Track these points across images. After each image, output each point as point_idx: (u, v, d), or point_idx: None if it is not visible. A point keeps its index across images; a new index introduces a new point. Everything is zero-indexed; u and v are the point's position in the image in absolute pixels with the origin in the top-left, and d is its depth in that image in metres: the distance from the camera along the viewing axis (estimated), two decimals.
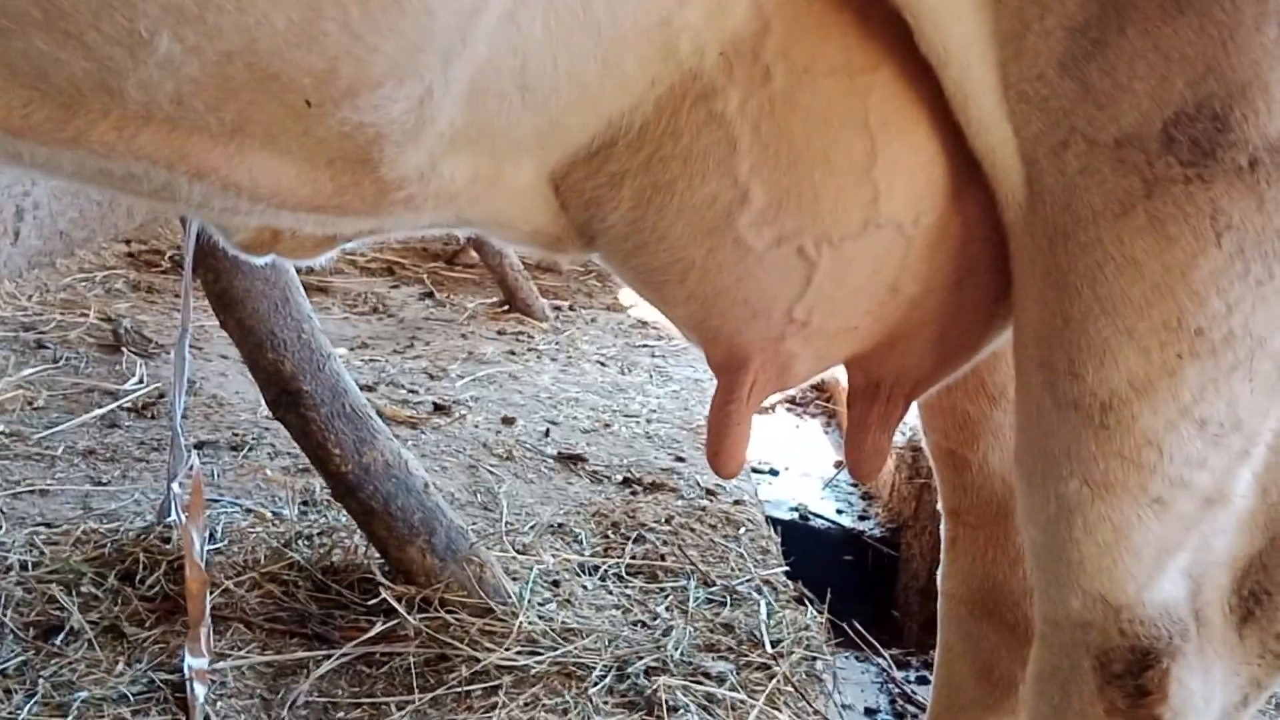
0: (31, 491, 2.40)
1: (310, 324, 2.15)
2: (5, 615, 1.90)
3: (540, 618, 2.17)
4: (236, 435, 2.88)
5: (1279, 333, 0.93)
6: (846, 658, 2.94)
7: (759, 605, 2.43)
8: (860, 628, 2.90)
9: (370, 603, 2.09)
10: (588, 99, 0.89)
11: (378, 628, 2.03)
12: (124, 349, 3.35)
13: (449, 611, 2.08)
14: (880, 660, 2.97)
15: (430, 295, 4.86)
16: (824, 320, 1.04)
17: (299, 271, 2.23)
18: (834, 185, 0.97)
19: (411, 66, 0.79)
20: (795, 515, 3.90)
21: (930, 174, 1.00)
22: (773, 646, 2.26)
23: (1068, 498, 0.98)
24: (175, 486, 2.19)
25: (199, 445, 2.79)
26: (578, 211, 1.00)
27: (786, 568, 2.74)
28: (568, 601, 2.30)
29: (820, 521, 3.92)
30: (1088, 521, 0.98)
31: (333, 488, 2.15)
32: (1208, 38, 0.82)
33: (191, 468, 2.16)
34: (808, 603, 2.57)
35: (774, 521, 3.30)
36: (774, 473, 4.20)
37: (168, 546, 2.13)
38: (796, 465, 4.28)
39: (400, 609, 2.06)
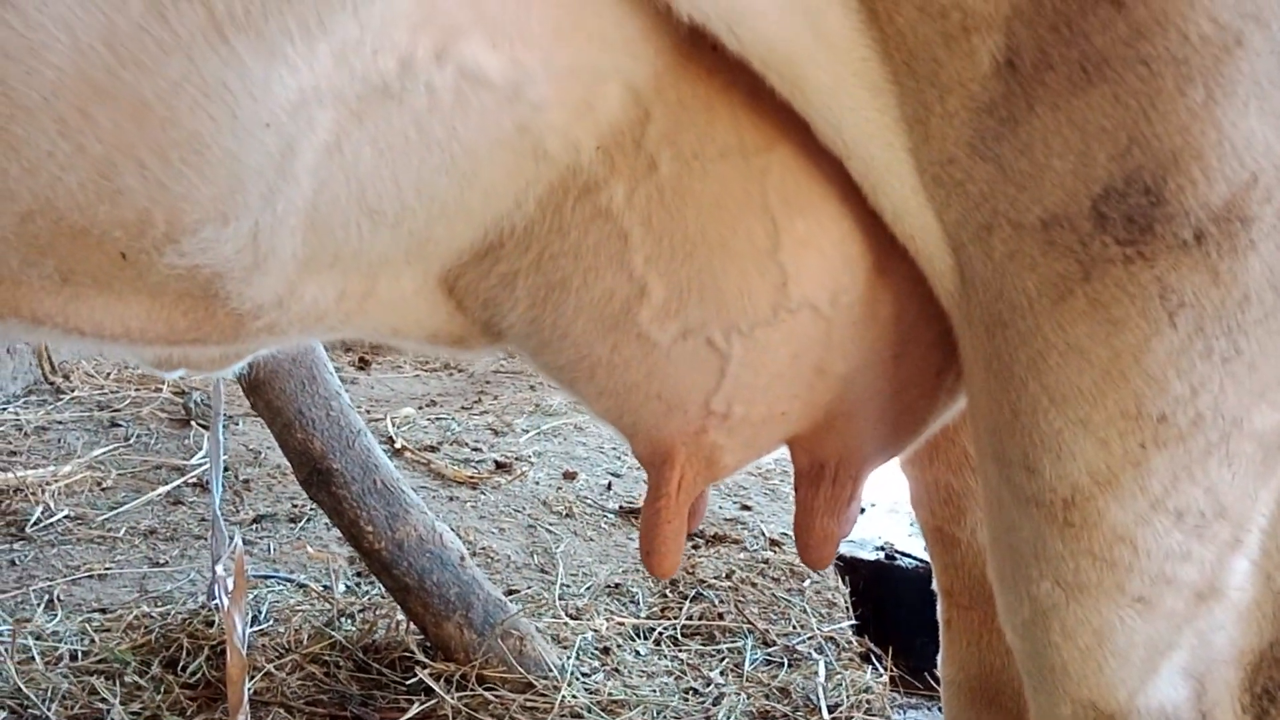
0: (90, 576, 2.45)
1: (339, 400, 2.15)
2: (50, 710, 1.92)
3: (585, 690, 2.12)
4: (296, 507, 2.90)
5: (1258, 409, 0.84)
6: (930, 710, 2.82)
7: (818, 666, 2.35)
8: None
9: (410, 682, 2.07)
10: (448, 212, 0.85)
11: (415, 708, 2.00)
12: (193, 422, 3.41)
13: (488, 688, 2.05)
14: None
15: None
16: (746, 409, 0.98)
17: None
18: (736, 272, 0.91)
19: (230, 209, 0.75)
20: (881, 555, 3.78)
21: (846, 250, 0.93)
22: (830, 711, 2.17)
23: (1040, 600, 0.90)
24: (219, 569, 2.20)
25: (258, 518, 2.83)
26: (477, 311, 0.96)
27: (854, 622, 2.64)
28: (616, 670, 2.24)
29: (908, 561, 3.79)
30: (1065, 625, 0.90)
31: (368, 564, 2.14)
32: (1125, 108, 0.74)
33: (234, 549, 2.17)
34: (874, 660, 2.47)
35: (857, 563, 3.18)
36: (859, 510, 4.08)
37: (211, 630, 2.14)
38: (882, 502, 4.14)
39: (438, 688, 2.03)
